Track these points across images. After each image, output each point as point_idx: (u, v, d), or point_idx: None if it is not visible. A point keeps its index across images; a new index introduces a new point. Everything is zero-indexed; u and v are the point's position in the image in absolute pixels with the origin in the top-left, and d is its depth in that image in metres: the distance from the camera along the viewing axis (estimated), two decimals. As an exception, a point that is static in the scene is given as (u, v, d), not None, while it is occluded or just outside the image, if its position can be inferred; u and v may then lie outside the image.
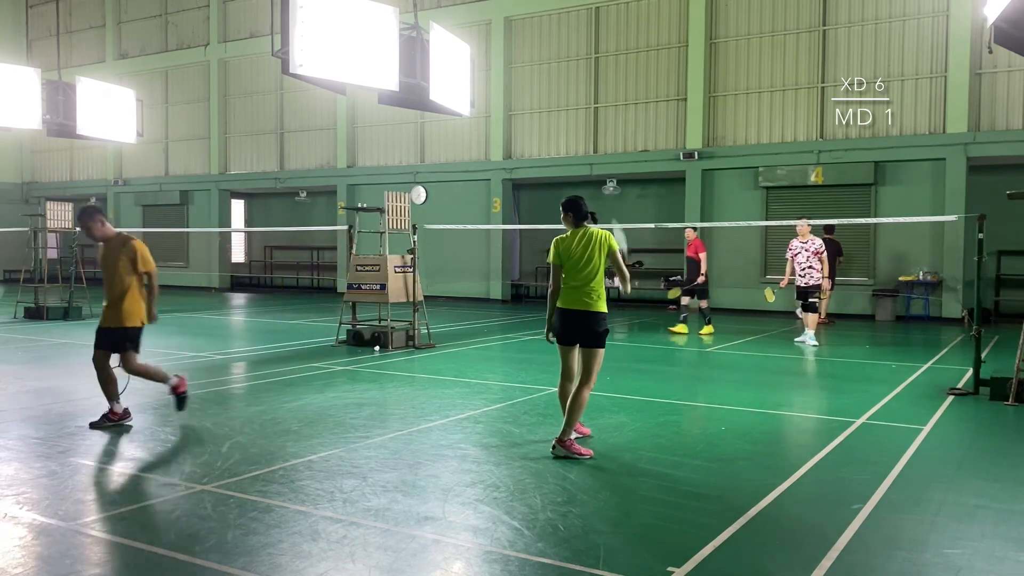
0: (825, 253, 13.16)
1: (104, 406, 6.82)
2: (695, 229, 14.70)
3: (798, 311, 13.84)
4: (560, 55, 21.51)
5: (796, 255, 13.13)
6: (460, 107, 11.05)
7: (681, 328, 14.28)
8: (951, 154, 16.86)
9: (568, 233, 6.16)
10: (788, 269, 13.32)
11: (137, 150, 27.93)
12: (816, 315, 13.26)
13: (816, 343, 12.81)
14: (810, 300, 13.07)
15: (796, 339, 13.36)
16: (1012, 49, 7.06)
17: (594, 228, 6.18)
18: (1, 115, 14.65)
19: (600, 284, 6.06)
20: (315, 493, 5.05)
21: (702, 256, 14.23)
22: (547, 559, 3.99)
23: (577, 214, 6.14)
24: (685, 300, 14.36)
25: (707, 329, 14.23)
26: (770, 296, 13.94)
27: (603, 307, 6.05)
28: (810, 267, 12.96)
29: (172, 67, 28.70)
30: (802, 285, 13.04)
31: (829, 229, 16.54)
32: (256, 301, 23.03)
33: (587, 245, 6.02)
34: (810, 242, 13.07)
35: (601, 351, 6.04)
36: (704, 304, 14.34)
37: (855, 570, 3.91)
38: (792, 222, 14.10)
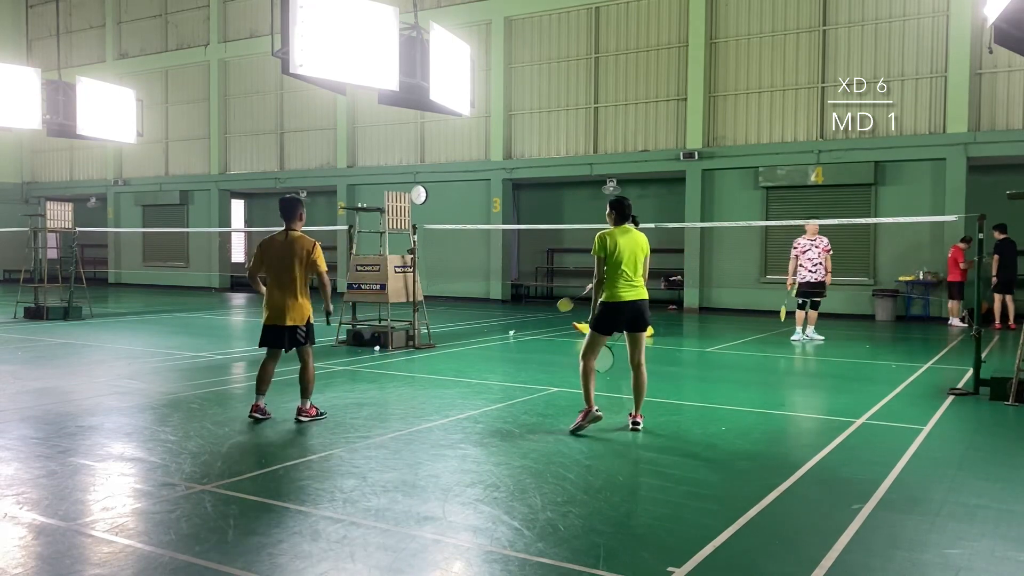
0: (831, 251, 13.18)
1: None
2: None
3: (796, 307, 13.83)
4: (560, 55, 21.51)
5: (805, 252, 13.20)
6: (460, 107, 11.05)
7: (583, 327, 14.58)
8: (951, 154, 16.86)
9: (612, 230, 6.78)
10: (792, 268, 13.34)
11: (137, 150, 27.93)
12: (816, 313, 13.39)
13: (822, 337, 13.10)
14: (815, 299, 13.22)
15: (792, 337, 13.40)
16: (1012, 49, 7.06)
17: (635, 230, 6.89)
18: (1, 115, 14.65)
19: (641, 277, 6.85)
20: (315, 493, 5.05)
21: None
22: (547, 559, 3.99)
23: (620, 213, 6.82)
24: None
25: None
26: (783, 315, 13.72)
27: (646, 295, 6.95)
28: (819, 264, 13.13)
29: (172, 67, 28.70)
30: (812, 280, 13.14)
31: (1003, 228, 15.21)
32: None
33: (633, 244, 6.70)
34: (818, 240, 13.19)
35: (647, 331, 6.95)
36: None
37: (855, 570, 3.90)
38: (792, 222, 14.10)
